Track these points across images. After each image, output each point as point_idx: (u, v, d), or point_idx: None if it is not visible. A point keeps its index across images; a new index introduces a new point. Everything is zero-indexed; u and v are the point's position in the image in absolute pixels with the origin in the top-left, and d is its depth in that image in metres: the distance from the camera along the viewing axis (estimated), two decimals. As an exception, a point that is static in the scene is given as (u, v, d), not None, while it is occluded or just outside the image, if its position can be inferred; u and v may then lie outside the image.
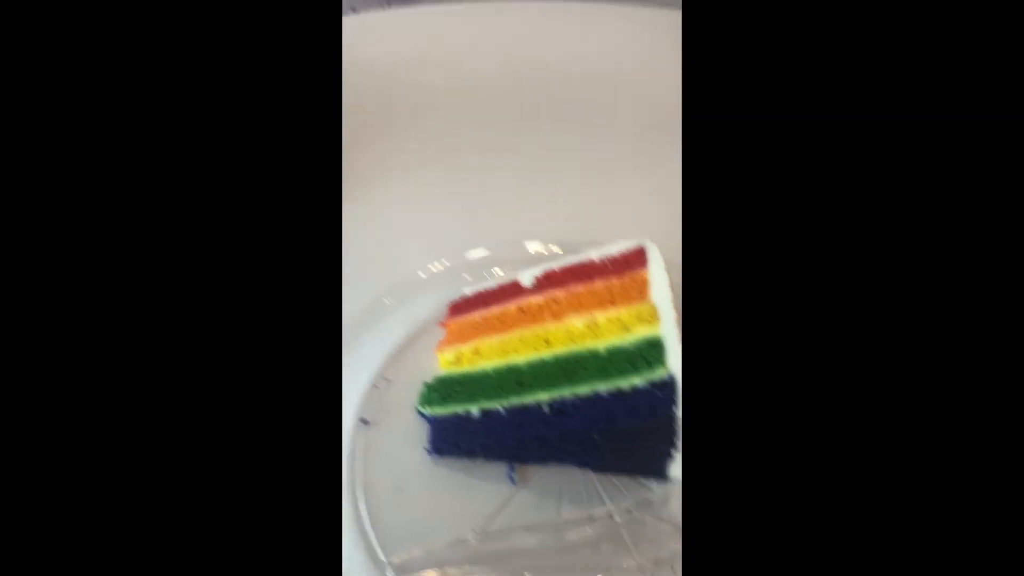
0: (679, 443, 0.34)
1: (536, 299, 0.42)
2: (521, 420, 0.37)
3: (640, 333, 0.37)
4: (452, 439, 0.39)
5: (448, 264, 0.48)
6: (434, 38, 0.66)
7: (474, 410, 0.39)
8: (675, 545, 0.35)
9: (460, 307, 0.46)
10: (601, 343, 0.37)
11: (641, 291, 0.38)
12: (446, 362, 0.43)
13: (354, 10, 0.84)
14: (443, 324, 0.45)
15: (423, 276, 0.48)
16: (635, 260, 0.40)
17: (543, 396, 0.37)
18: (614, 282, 0.40)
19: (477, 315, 0.44)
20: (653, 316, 0.37)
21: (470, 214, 0.51)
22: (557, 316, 0.40)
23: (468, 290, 0.46)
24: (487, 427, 0.38)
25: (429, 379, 0.42)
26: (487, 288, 0.45)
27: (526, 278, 0.43)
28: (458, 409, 0.40)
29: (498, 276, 0.47)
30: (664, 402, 0.33)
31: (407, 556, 0.36)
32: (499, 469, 0.38)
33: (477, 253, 0.49)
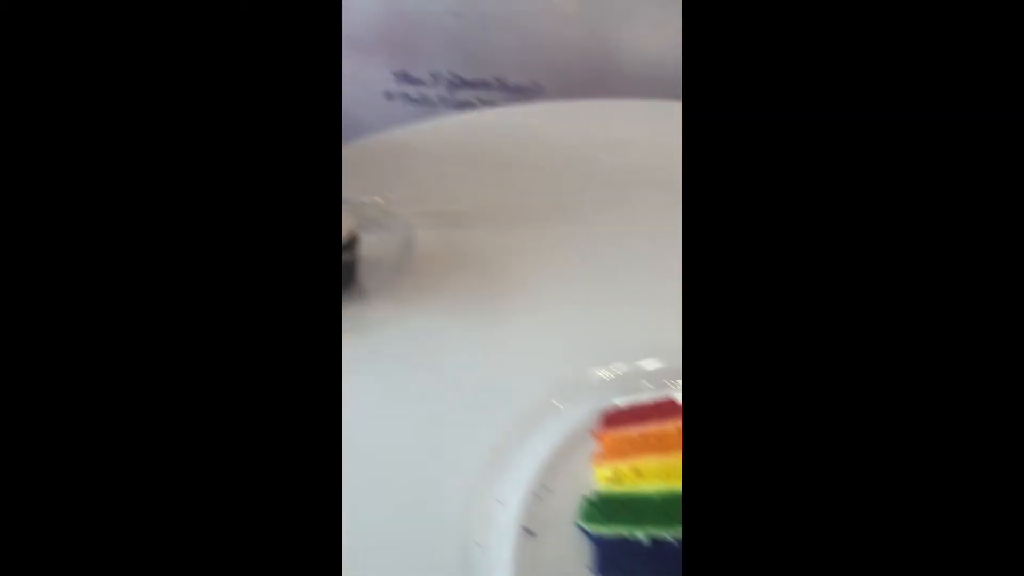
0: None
1: (697, 423, 0.43)
2: (693, 553, 0.38)
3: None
4: (618, 563, 0.40)
5: (620, 371, 0.50)
6: (619, 130, 0.70)
7: (642, 536, 0.40)
8: None
9: (613, 419, 0.47)
10: (773, 481, 0.38)
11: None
12: (604, 478, 0.44)
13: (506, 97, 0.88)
14: (596, 435, 0.46)
15: (592, 380, 0.49)
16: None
17: (715, 530, 0.38)
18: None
19: (633, 431, 0.45)
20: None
21: (647, 321, 0.52)
22: (721, 444, 0.41)
23: (620, 402, 0.47)
24: (656, 555, 0.39)
25: (588, 493, 0.44)
26: (641, 403, 0.47)
27: (681, 396, 0.45)
28: (624, 532, 0.41)
29: (652, 390, 0.48)
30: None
31: None
32: (665, 597, 0.39)
33: (651, 364, 0.50)
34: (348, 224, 0.50)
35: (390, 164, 0.71)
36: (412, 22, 1.01)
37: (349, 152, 0.75)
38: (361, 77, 1.09)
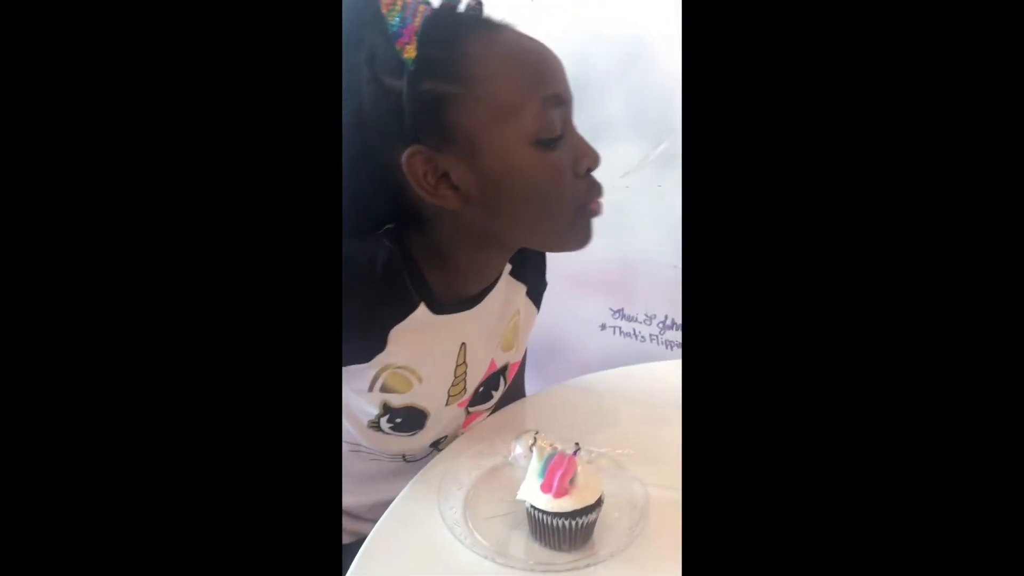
0: None
1: None
2: None
3: None
4: None
5: None
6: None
7: None
8: None
9: None
10: None
11: None
12: None
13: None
14: None
15: None
16: None
17: None
18: None
19: None
20: None
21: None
22: None
23: None
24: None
25: None
26: None
27: None
28: None
29: None
30: None
31: None
32: None
33: None
34: (592, 482, 0.53)
35: (613, 407, 0.75)
36: (634, 268, 1.11)
37: (570, 387, 0.80)
38: (581, 309, 1.19)
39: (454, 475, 0.61)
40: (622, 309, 1.10)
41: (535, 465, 0.54)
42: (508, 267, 0.68)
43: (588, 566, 0.51)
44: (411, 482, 0.62)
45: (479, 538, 0.54)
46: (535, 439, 0.61)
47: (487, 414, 0.73)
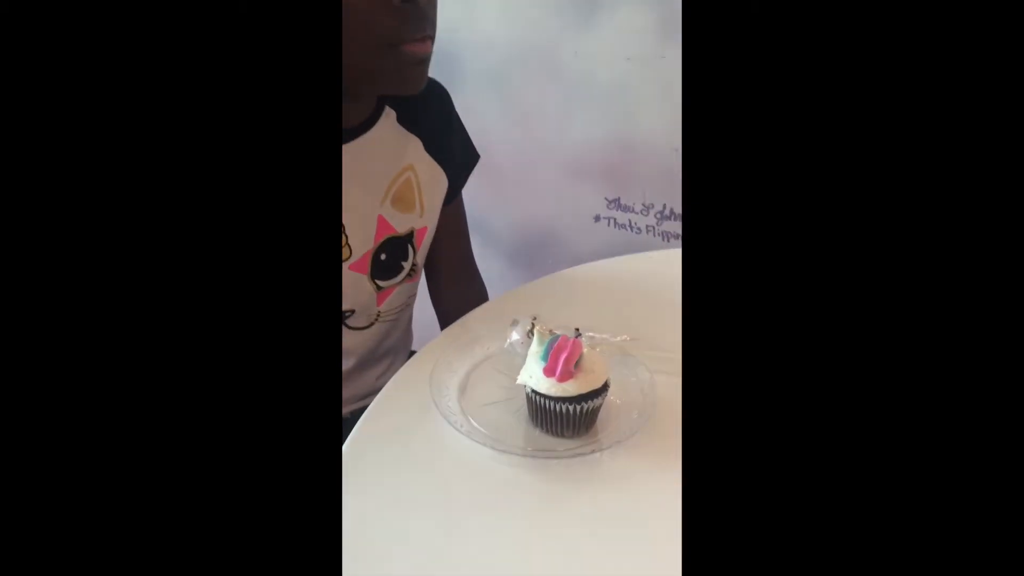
0: None
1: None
2: None
3: None
4: None
5: None
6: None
7: None
8: None
9: None
10: None
11: None
12: None
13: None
14: None
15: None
16: None
17: None
18: None
19: None
20: None
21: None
22: None
23: None
24: None
25: None
26: None
27: None
28: None
29: None
30: None
31: None
32: None
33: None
34: (598, 366, 0.49)
35: (609, 295, 0.71)
36: (633, 152, 1.04)
37: (563, 276, 0.76)
38: (575, 199, 1.12)
39: (447, 362, 0.57)
40: (618, 199, 1.04)
41: (536, 349, 0.50)
42: (392, 113, 0.61)
43: (593, 452, 0.48)
44: (399, 371, 0.58)
45: (476, 425, 0.50)
46: (533, 324, 0.57)
47: (401, 289, 0.68)
